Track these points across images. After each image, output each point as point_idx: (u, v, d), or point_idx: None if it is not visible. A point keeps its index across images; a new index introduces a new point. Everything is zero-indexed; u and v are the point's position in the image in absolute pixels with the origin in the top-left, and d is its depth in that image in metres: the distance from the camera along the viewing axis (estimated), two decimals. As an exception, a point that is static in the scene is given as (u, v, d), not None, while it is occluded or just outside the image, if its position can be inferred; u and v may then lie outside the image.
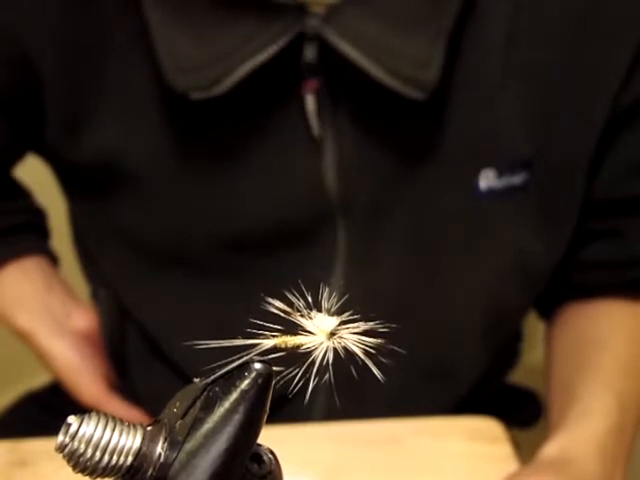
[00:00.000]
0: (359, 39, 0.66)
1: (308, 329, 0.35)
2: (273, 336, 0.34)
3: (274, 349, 0.34)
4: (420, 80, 0.66)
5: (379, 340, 0.35)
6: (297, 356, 0.34)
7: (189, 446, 0.32)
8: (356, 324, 0.35)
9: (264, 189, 0.73)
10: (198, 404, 0.32)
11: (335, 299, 0.35)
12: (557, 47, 0.72)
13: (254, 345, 0.34)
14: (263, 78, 0.67)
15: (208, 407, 0.32)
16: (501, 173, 0.72)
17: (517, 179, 0.73)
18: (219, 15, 0.66)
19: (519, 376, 0.96)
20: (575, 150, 0.75)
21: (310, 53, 0.68)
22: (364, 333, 0.35)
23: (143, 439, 0.32)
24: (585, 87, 0.73)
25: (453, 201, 0.74)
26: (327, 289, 0.35)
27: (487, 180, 0.73)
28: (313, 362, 0.34)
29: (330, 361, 0.34)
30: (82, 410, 0.33)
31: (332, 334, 0.35)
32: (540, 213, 0.76)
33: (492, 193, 0.73)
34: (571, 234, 0.78)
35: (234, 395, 0.32)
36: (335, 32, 0.66)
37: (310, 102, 0.69)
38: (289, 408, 0.71)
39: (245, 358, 0.33)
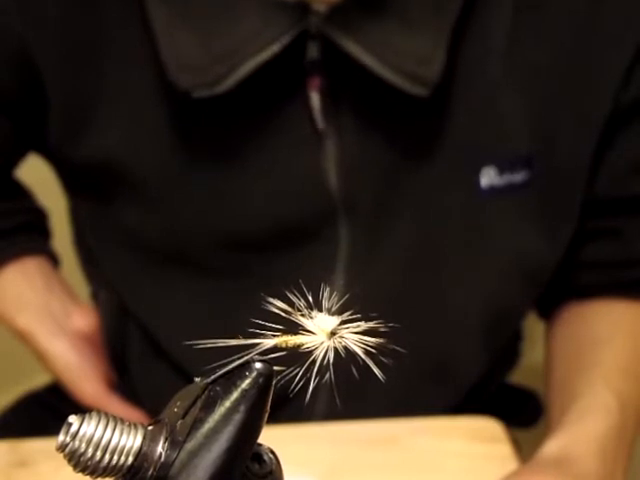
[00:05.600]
0: (362, 36, 0.66)
1: (309, 329, 0.35)
2: (274, 335, 0.34)
3: (275, 348, 0.34)
4: (422, 76, 0.66)
5: (380, 339, 0.35)
6: (298, 356, 0.34)
7: (190, 446, 0.32)
8: (357, 323, 0.35)
9: (266, 188, 0.73)
10: (199, 404, 0.32)
11: (336, 298, 0.35)
12: (558, 46, 0.72)
13: (255, 344, 0.33)
14: (266, 76, 0.67)
15: (209, 407, 0.32)
16: (502, 171, 0.73)
17: (518, 177, 0.73)
18: (222, 13, 0.66)
19: (519, 376, 0.96)
20: (576, 149, 0.75)
21: (313, 51, 0.68)
22: (365, 332, 0.35)
23: (144, 439, 0.32)
24: (586, 86, 0.73)
25: (455, 199, 0.74)
26: (328, 288, 0.35)
27: (489, 178, 0.73)
28: (314, 362, 0.34)
29: (331, 361, 0.34)
30: (83, 410, 0.33)
31: (333, 333, 0.35)
32: (541, 212, 0.76)
33: (493, 191, 0.73)
34: (572, 233, 0.78)
35: (235, 395, 0.32)
36: (338, 30, 0.66)
37: (314, 100, 0.70)
38: (290, 408, 0.71)
39: (246, 357, 0.33)
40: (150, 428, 0.33)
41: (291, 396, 0.32)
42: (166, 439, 0.32)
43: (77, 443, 0.32)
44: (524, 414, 0.93)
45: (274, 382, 0.33)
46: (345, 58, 0.67)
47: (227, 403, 0.32)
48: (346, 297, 0.35)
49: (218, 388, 0.32)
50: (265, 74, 0.66)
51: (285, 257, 0.75)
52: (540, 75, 0.72)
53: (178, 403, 0.33)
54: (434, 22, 0.67)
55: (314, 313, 0.35)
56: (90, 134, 0.73)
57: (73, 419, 0.32)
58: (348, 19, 0.66)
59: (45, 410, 0.90)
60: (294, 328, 0.34)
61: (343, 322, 0.35)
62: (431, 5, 0.67)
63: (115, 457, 0.32)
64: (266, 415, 0.33)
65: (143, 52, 0.70)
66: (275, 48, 0.65)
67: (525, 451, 0.75)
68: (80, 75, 0.72)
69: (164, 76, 0.68)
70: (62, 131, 0.75)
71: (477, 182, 0.73)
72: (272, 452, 0.35)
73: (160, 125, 0.72)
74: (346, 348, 0.34)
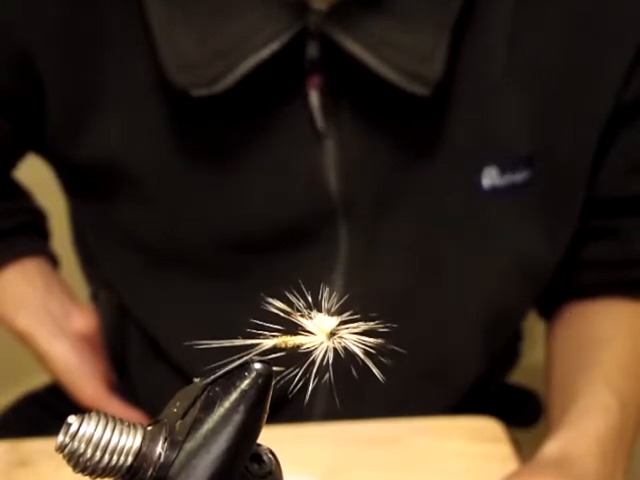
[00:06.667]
0: (362, 35, 0.66)
1: (308, 329, 0.35)
2: (273, 336, 0.34)
3: (274, 349, 0.34)
4: (423, 75, 0.66)
5: (379, 340, 0.35)
6: (297, 356, 0.34)
7: (189, 446, 0.32)
8: (356, 324, 0.35)
9: (266, 188, 0.73)
10: (198, 404, 0.32)
11: (335, 299, 0.35)
12: (558, 46, 0.72)
13: (254, 345, 0.33)
14: (266, 75, 0.67)
15: (208, 407, 0.32)
16: (504, 171, 0.73)
17: (519, 177, 0.73)
18: (221, 11, 0.66)
19: (519, 376, 0.96)
20: (576, 149, 0.75)
21: (313, 49, 0.68)
22: (364, 333, 0.35)
23: (143, 439, 0.32)
24: (586, 86, 0.73)
25: (455, 199, 0.74)
26: (327, 289, 0.35)
27: (490, 178, 0.73)
28: (313, 362, 0.34)
29: (330, 361, 0.34)
30: (82, 410, 0.33)
31: (332, 334, 0.35)
32: (542, 212, 0.76)
33: (495, 191, 0.73)
34: (573, 233, 0.78)
35: (234, 395, 0.32)
36: (338, 28, 0.66)
37: (314, 98, 0.70)
38: (289, 408, 0.71)
39: (245, 358, 0.33)
40: (149, 428, 0.33)
41: (290, 397, 0.32)
42: (165, 439, 0.32)
43: (76, 443, 0.32)
44: (524, 414, 0.93)
45: (273, 382, 0.33)
46: (345, 56, 0.67)
47: (226, 404, 0.32)
48: (345, 297, 0.35)
49: (217, 388, 0.32)
50: (264, 73, 0.66)
51: (285, 257, 0.75)
52: (540, 75, 0.72)
53: (177, 403, 0.33)
54: (435, 20, 0.67)
55: (313, 313, 0.35)
56: (89, 134, 0.73)
57: (72, 419, 0.32)
58: (348, 17, 0.66)
59: (45, 410, 0.90)
60: (293, 328, 0.34)
61: (342, 322, 0.35)
62: (432, 3, 0.67)
63: (114, 457, 0.32)
64: (265, 415, 0.33)
65: (143, 52, 0.70)
66: (274, 46, 0.65)
67: (525, 451, 0.75)
68: (80, 75, 0.72)
69: (164, 76, 0.68)
70: (61, 131, 0.75)
71: (478, 182, 0.73)
72: (271, 452, 0.35)
73: (160, 125, 0.72)
74: (345, 348, 0.34)
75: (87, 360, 0.83)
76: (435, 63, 0.66)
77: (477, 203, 0.74)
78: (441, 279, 0.77)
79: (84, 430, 0.32)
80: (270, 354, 0.34)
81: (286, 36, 0.65)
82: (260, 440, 0.33)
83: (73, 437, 0.32)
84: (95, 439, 0.32)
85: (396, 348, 0.35)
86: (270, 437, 0.35)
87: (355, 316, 0.35)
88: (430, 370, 0.80)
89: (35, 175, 0.89)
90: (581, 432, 0.67)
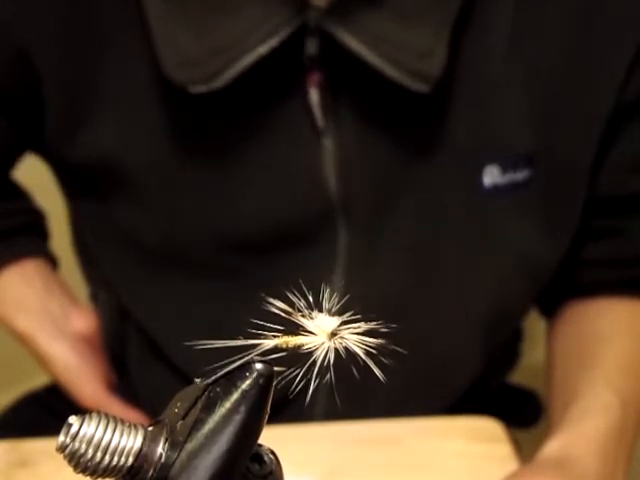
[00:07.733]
0: (361, 31, 0.66)
1: (309, 329, 0.35)
2: (274, 336, 0.34)
3: (275, 349, 0.34)
4: (423, 72, 0.66)
5: (380, 340, 0.35)
6: (298, 356, 0.34)
7: (190, 446, 0.32)
8: (357, 324, 0.35)
9: (265, 186, 0.73)
10: (199, 404, 0.32)
11: (336, 299, 0.35)
12: (558, 46, 0.72)
13: (255, 345, 0.33)
14: (265, 72, 0.67)
15: (209, 407, 0.32)
16: (505, 169, 0.72)
17: (520, 176, 0.73)
18: (219, 8, 0.66)
19: (519, 376, 0.96)
20: (577, 148, 0.75)
21: (312, 46, 0.68)
22: (365, 333, 0.35)
23: (144, 439, 0.32)
24: (586, 86, 0.73)
25: (456, 198, 0.74)
26: (328, 289, 0.35)
27: (492, 177, 0.73)
28: (314, 362, 0.34)
29: (331, 361, 0.34)
30: (83, 410, 0.33)
31: (333, 334, 0.35)
32: (542, 212, 0.76)
33: (496, 190, 0.73)
34: (573, 232, 0.78)
35: (235, 395, 0.32)
36: (337, 24, 0.66)
37: (314, 96, 0.69)
38: (290, 408, 0.71)
39: (246, 358, 0.33)
40: (150, 429, 0.33)
41: (291, 397, 0.32)
42: (166, 440, 0.32)
43: (77, 444, 0.32)
44: (524, 414, 0.92)
45: (274, 383, 0.33)
46: (344, 53, 0.66)
47: (227, 404, 0.32)
48: (346, 298, 0.35)
49: (218, 389, 0.32)
50: (263, 70, 0.66)
51: (284, 258, 0.75)
52: (540, 75, 0.72)
53: (178, 404, 0.33)
54: (435, 16, 0.67)
55: (314, 314, 0.35)
56: (87, 134, 0.73)
57: (73, 420, 0.32)
58: (347, 13, 0.66)
59: (45, 410, 0.90)
60: (294, 329, 0.34)
61: (343, 323, 0.35)
62: (431, 1, 0.67)
63: (115, 458, 0.32)
64: (266, 416, 0.33)
65: (142, 51, 0.70)
66: (273, 42, 0.65)
67: (525, 451, 0.75)
68: (79, 75, 0.72)
69: (162, 74, 0.67)
70: (60, 131, 0.74)
71: (480, 181, 0.73)
72: (272, 452, 0.35)
73: (158, 124, 0.72)
74: (346, 349, 0.34)
75: (87, 361, 0.83)
76: (435, 60, 0.66)
77: (478, 202, 0.74)
78: (441, 279, 0.77)
79: (85, 431, 0.32)
80: (271, 354, 0.34)
81: (285, 32, 0.65)
82: (261, 440, 0.33)
83: (74, 438, 0.32)
84: (96, 440, 0.32)
85: (397, 348, 0.35)
86: (271, 437, 0.35)
87: (356, 316, 0.35)
88: (430, 370, 0.80)
89: (35, 175, 0.89)
90: (581, 432, 0.67)
